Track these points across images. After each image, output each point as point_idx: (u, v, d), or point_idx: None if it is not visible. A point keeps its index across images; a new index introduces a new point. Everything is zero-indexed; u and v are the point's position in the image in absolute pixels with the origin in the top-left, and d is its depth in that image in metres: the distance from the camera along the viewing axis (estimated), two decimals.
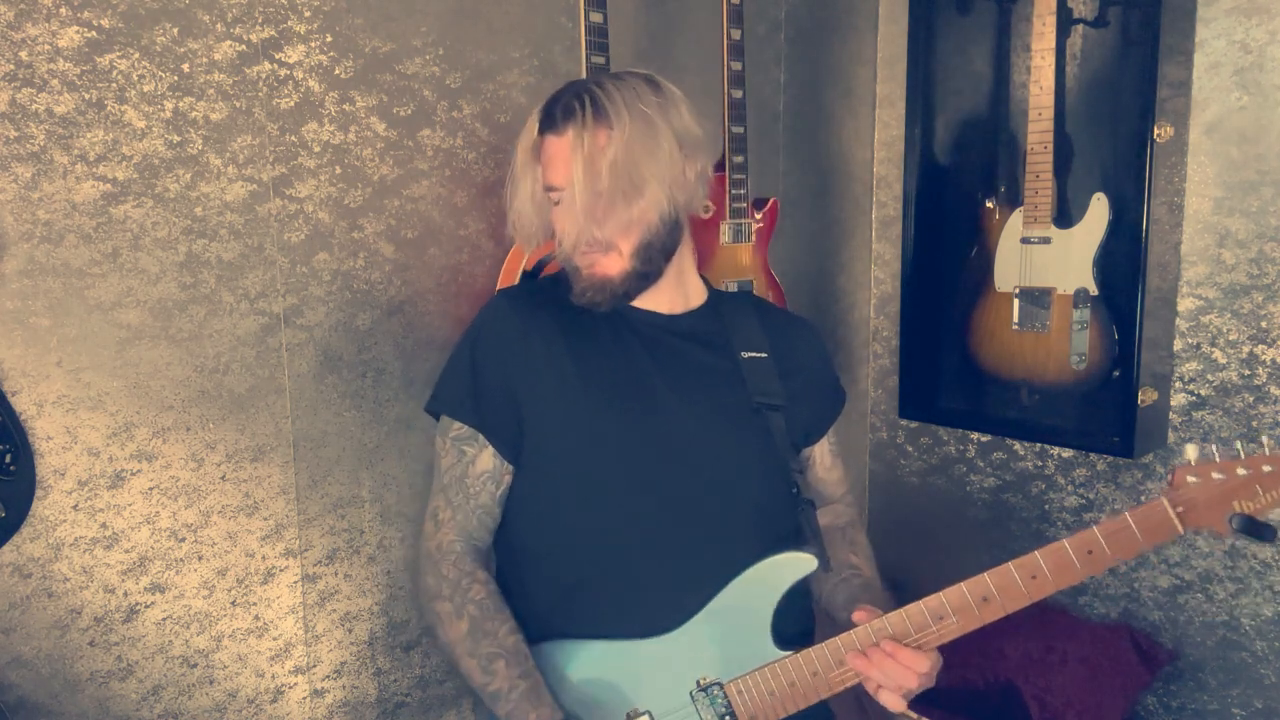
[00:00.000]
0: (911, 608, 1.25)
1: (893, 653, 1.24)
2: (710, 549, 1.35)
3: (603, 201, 1.29)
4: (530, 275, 1.77)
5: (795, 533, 1.43)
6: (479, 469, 1.39)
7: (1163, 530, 1.19)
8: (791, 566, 1.34)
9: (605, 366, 1.37)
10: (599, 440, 1.36)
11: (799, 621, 1.41)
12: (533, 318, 1.40)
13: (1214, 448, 1.19)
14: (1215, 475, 1.18)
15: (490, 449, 1.39)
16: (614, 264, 1.36)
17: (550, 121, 1.32)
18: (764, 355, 1.42)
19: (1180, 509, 1.19)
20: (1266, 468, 1.17)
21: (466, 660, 1.34)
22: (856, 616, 1.29)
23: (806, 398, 1.47)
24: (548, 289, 1.47)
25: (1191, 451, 1.20)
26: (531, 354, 1.37)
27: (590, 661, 1.36)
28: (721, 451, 1.38)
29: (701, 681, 1.32)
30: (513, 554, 1.45)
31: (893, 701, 1.26)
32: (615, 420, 1.36)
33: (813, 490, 1.55)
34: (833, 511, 1.56)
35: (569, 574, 1.38)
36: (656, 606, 1.35)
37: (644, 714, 1.31)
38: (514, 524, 1.43)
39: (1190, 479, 1.19)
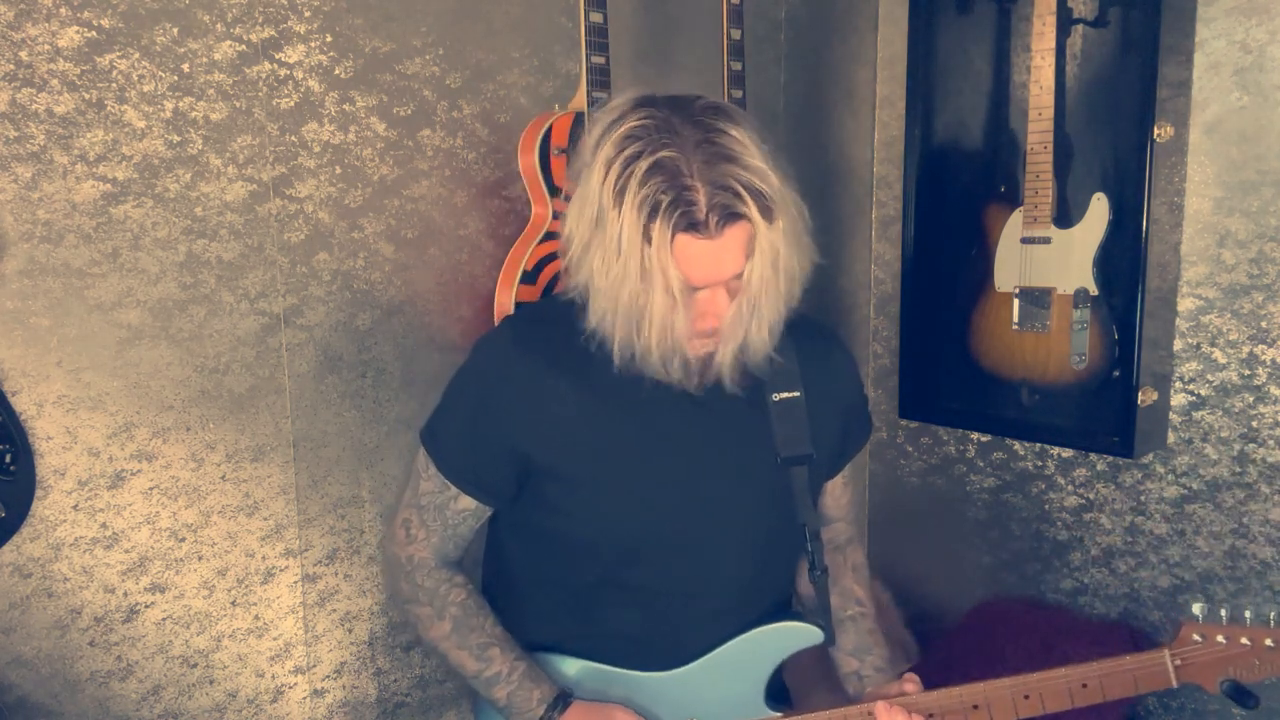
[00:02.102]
0: (901, 702, 1.29)
1: None
2: (713, 604, 1.35)
3: (770, 303, 1.19)
4: (530, 275, 1.77)
5: (796, 595, 1.45)
6: (460, 506, 1.34)
7: (1158, 680, 1.26)
8: (799, 636, 1.36)
9: (621, 418, 1.29)
10: (610, 494, 1.31)
11: (781, 681, 1.44)
12: (541, 362, 1.29)
13: (1223, 611, 1.24)
14: (1219, 639, 1.24)
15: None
16: (729, 347, 1.24)
17: (697, 226, 1.12)
18: (796, 394, 1.33)
19: (1179, 663, 1.25)
20: (1269, 642, 1.23)
21: (456, 652, 1.35)
22: (908, 684, 1.31)
23: (835, 437, 1.42)
24: (560, 318, 1.30)
25: (1198, 609, 1.25)
26: (540, 405, 1.28)
27: (585, 679, 1.37)
28: (737, 512, 1.33)
29: None
30: (512, 576, 1.43)
31: None
32: (628, 477, 1.30)
33: (818, 513, 1.50)
34: (832, 530, 1.54)
35: (568, 607, 1.38)
36: (655, 651, 1.35)
37: (623, 709, 1.34)
38: (516, 550, 1.41)
39: (1195, 637, 1.25)
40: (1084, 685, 1.26)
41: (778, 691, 1.41)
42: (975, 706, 1.28)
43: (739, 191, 1.11)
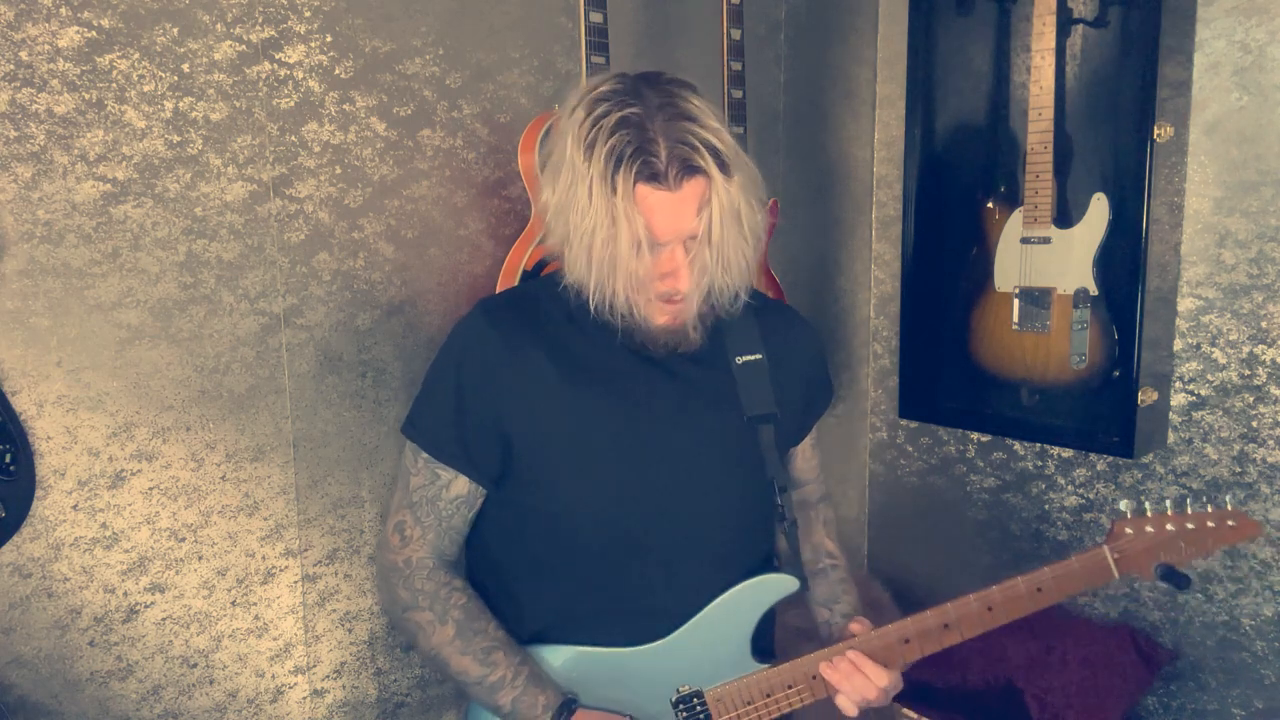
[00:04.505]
0: (880, 630, 1.37)
1: (859, 664, 1.34)
2: (695, 565, 1.37)
3: (734, 251, 1.26)
4: (530, 275, 1.77)
5: (774, 551, 1.49)
6: (453, 493, 1.37)
7: (1101, 574, 1.37)
8: (775, 587, 1.40)
9: (595, 387, 1.34)
10: (588, 462, 1.35)
11: (767, 635, 1.46)
12: (517, 335, 1.35)
13: (1146, 503, 1.39)
14: (1147, 529, 1.37)
15: (465, 477, 1.37)
16: (693, 306, 1.32)
17: (658, 177, 1.20)
18: (758, 357, 1.42)
19: (1117, 556, 1.37)
20: (1190, 525, 1.37)
21: (459, 659, 1.34)
22: (853, 628, 1.40)
23: (798, 399, 1.48)
24: (529, 298, 1.41)
25: (1126, 505, 1.38)
26: (518, 377, 1.33)
27: (575, 667, 1.38)
28: (710, 471, 1.38)
29: (682, 690, 1.36)
30: (497, 563, 1.44)
31: (848, 707, 1.36)
32: (604, 443, 1.34)
33: (791, 477, 1.58)
34: (805, 490, 1.60)
35: (554, 586, 1.38)
36: (641, 619, 1.37)
37: (626, 718, 1.35)
38: (498, 535, 1.42)
39: (1127, 531, 1.37)
40: (1039, 589, 1.36)
41: (765, 646, 1.44)
42: (946, 625, 1.35)
43: (697, 146, 1.20)
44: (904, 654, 1.36)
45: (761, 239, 1.32)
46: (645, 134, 1.19)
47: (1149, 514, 1.38)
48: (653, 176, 1.19)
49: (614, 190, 1.20)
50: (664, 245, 1.24)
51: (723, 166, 1.22)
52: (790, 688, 1.36)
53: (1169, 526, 1.37)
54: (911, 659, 1.36)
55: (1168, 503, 1.38)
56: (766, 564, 1.46)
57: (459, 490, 1.36)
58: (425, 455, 1.36)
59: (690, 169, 1.20)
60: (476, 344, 1.36)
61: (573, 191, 1.23)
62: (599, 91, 1.24)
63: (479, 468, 1.36)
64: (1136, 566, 1.37)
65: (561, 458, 1.34)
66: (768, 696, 1.36)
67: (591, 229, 1.22)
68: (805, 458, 1.58)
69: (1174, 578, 1.35)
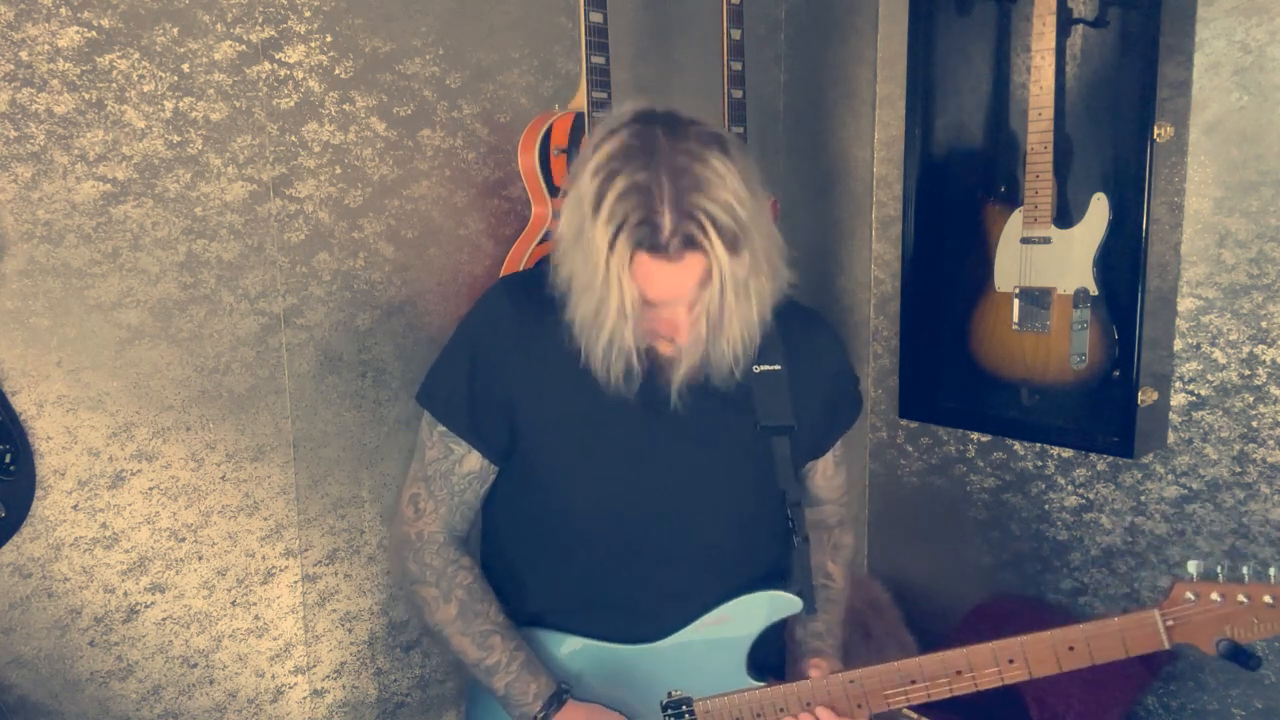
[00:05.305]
0: (884, 667, 1.28)
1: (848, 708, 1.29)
2: (693, 569, 1.36)
3: (735, 324, 1.23)
4: None
5: (785, 568, 1.46)
6: (465, 468, 1.38)
7: (1149, 642, 1.20)
8: (777, 605, 1.38)
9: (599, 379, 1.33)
10: (586, 453, 1.35)
11: (773, 652, 1.45)
12: (532, 318, 1.34)
13: (1219, 569, 1.19)
14: (1214, 597, 1.18)
15: (478, 452, 1.38)
16: (684, 367, 1.29)
17: (658, 248, 1.16)
18: (777, 368, 1.38)
19: (1171, 623, 1.19)
20: (1267, 599, 1.16)
21: (459, 639, 1.36)
22: (813, 670, 1.34)
23: (818, 413, 1.44)
24: (545, 283, 1.37)
25: (1193, 567, 1.19)
26: (528, 360, 1.34)
27: (574, 657, 1.39)
28: (712, 474, 1.37)
29: (673, 694, 1.34)
30: (503, 543, 1.45)
31: None
32: (611, 439, 1.34)
33: (809, 494, 1.54)
34: (823, 511, 1.56)
35: (555, 573, 1.39)
36: (636, 617, 1.37)
37: (616, 715, 1.35)
38: (506, 516, 1.44)
39: (1188, 595, 1.19)
40: (1070, 648, 1.22)
41: (762, 662, 1.42)
42: (959, 671, 1.27)
43: (702, 222, 1.15)
44: (910, 695, 1.30)
45: (769, 305, 1.28)
46: (651, 203, 1.14)
47: (1220, 580, 1.18)
48: (653, 247, 1.15)
49: (612, 251, 1.16)
50: (662, 305, 1.21)
51: (730, 243, 1.16)
52: (781, 710, 1.33)
53: (1241, 598, 1.16)
54: (918, 701, 1.30)
55: (1245, 570, 1.18)
56: (773, 578, 1.43)
57: (471, 466, 1.38)
58: (440, 428, 1.37)
59: (692, 244, 1.16)
60: (493, 322, 1.37)
61: (578, 237, 1.21)
62: (619, 143, 1.18)
63: (489, 443, 1.37)
64: (1194, 637, 1.19)
65: (561, 446, 1.35)
66: (757, 716, 1.33)
67: (586, 285, 1.20)
68: (826, 475, 1.53)
69: (1240, 657, 1.17)
